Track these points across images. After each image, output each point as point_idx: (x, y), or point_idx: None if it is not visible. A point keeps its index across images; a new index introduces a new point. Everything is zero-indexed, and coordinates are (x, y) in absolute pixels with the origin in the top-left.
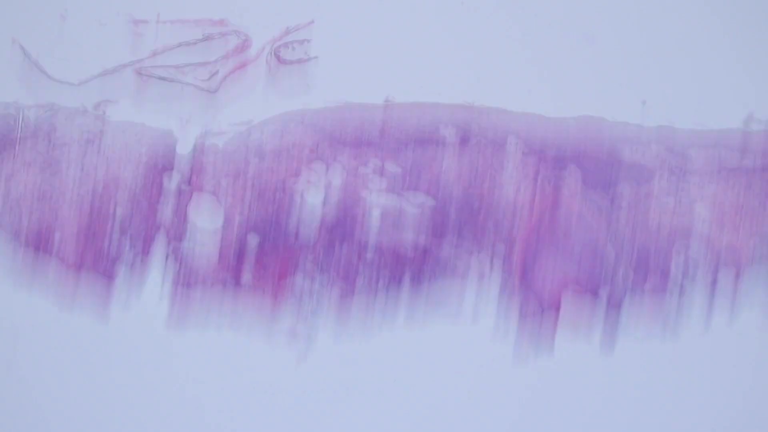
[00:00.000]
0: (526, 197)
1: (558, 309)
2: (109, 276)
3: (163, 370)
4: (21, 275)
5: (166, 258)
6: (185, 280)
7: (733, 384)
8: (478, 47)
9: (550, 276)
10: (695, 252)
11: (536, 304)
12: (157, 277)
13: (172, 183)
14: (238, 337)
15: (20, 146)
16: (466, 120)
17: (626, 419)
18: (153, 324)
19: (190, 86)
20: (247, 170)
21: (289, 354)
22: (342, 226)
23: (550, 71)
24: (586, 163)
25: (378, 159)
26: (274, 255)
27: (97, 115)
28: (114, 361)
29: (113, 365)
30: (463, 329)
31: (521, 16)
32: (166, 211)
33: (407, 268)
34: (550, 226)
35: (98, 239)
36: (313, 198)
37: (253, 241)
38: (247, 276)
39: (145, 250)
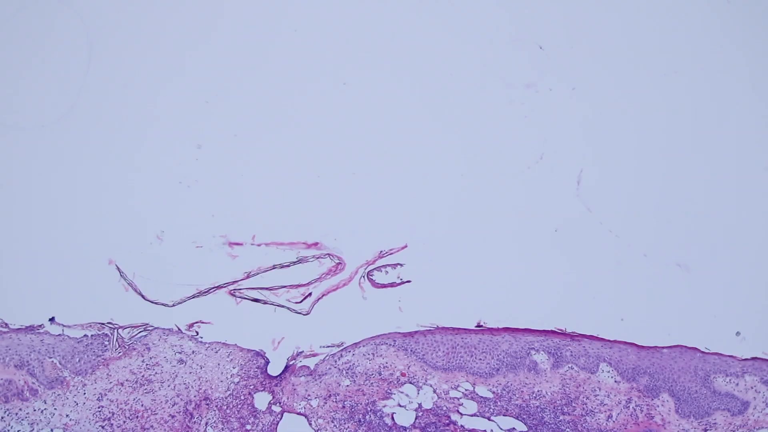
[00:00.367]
0: (618, 425)
1: None
2: None
3: None
4: None
5: None
6: None
7: None
8: (569, 272)
9: None
10: None
11: None
12: None
13: (263, 404)
14: None
15: (113, 366)
16: (558, 346)
17: None
18: None
19: (283, 308)
20: (338, 392)
21: None
22: None
23: (643, 299)
24: (679, 392)
25: (469, 383)
26: None
27: (190, 335)
28: None
29: None
30: None
31: (613, 242)
32: None
33: None
34: None
35: None
36: (404, 420)
37: None
38: None
39: None
